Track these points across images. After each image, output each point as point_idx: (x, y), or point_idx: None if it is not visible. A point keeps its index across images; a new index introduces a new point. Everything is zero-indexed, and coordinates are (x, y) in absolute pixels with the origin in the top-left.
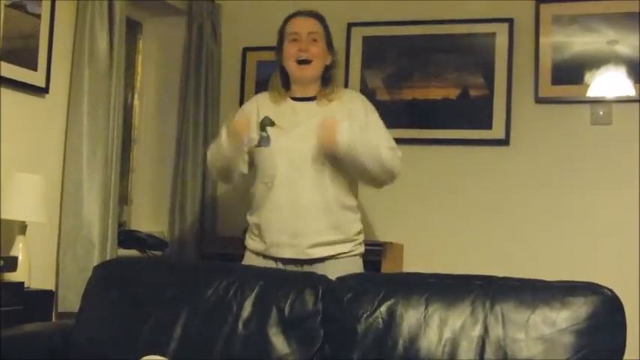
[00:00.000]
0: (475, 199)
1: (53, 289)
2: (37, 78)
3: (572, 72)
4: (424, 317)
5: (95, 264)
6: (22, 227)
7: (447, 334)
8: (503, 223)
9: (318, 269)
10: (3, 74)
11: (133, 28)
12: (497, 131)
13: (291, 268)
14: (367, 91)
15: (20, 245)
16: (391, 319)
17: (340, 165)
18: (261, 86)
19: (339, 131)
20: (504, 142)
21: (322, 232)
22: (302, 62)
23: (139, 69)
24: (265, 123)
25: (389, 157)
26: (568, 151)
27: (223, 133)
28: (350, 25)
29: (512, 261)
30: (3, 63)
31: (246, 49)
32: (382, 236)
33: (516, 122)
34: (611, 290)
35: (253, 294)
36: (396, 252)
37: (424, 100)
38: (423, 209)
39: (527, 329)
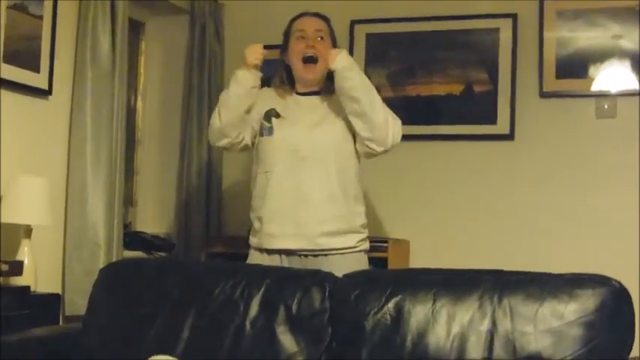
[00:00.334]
0: (480, 194)
1: (60, 293)
2: (39, 80)
3: (576, 66)
4: (432, 313)
5: (101, 266)
6: (28, 231)
7: (456, 329)
8: (509, 218)
9: (322, 264)
10: (6, 77)
11: (135, 29)
12: (501, 126)
13: (294, 261)
14: None
15: (26, 249)
16: (399, 315)
17: (338, 90)
18: (263, 85)
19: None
20: (509, 137)
21: (327, 221)
22: (308, 61)
23: (142, 70)
24: (270, 114)
25: (385, 111)
26: (573, 145)
27: (238, 71)
28: (353, 23)
29: (518, 255)
30: (5, 65)
31: None
32: (388, 232)
33: (521, 117)
34: (619, 282)
35: (260, 293)
36: (402, 248)
37: (428, 96)
38: (429, 205)
39: (535, 322)
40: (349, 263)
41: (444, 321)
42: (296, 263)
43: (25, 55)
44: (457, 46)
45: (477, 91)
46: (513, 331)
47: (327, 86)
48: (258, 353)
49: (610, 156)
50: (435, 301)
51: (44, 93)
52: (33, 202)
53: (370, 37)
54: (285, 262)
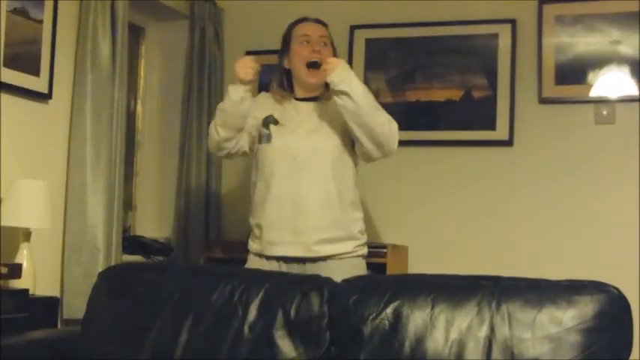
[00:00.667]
0: (479, 200)
1: (58, 296)
2: (39, 84)
3: (575, 72)
4: (430, 318)
5: (100, 270)
6: (27, 234)
7: (454, 334)
8: (508, 224)
9: (321, 269)
10: (6, 80)
11: (135, 33)
12: (501, 132)
13: (293, 267)
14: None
15: (25, 252)
16: (397, 320)
17: (340, 96)
18: (263, 89)
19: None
20: (508, 142)
21: (324, 228)
22: (312, 66)
23: (142, 74)
24: (268, 121)
25: (384, 117)
26: (572, 150)
27: (230, 87)
28: (353, 28)
29: (517, 261)
30: (6, 69)
31: (248, 53)
32: (387, 238)
33: (520, 123)
34: (617, 288)
35: (259, 297)
36: (400, 254)
37: (427, 101)
38: (428, 211)
39: (533, 329)
40: (347, 268)
41: (442, 327)
42: (295, 270)
43: (25, 58)
44: (456, 52)
45: (476, 96)
46: (512, 337)
47: (326, 92)
48: (257, 358)
49: (609, 162)
50: (433, 307)
51: (44, 97)
52: (32, 205)
53: (369, 42)
54: (283, 268)
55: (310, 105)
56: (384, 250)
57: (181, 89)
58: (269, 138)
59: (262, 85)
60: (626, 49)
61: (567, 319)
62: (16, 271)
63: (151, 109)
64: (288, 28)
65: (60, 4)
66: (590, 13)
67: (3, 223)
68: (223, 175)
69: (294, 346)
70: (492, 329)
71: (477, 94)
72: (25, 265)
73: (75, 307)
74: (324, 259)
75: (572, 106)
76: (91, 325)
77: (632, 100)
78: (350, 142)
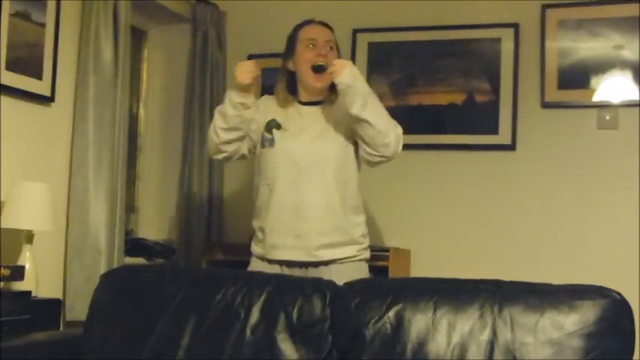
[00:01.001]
0: (482, 204)
1: (61, 298)
2: (42, 87)
3: (578, 77)
4: (432, 322)
5: (102, 272)
6: (29, 236)
7: (456, 338)
8: (510, 228)
9: (323, 273)
10: (9, 84)
11: (137, 37)
12: (503, 136)
13: (295, 271)
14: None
15: (27, 254)
16: (399, 324)
17: (344, 98)
18: (266, 93)
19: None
20: (511, 147)
21: (326, 233)
22: (318, 70)
23: (144, 77)
24: (272, 125)
25: (389, 121)
26: (574, 155)
27: (229, 91)
28: (355, 31)
29: (519, 265)
30: (8, 72)
31: (251, 56)
32: (389, 242)
33: (522, 127)
34: (619, 293)
35: (261, 300)
36: (403, 257)
37: (430, 105)
38: (430, 214)
39: (535, 333)
40: (350, 272)
41: (444, 330)
42: (297, 273)
43: (27, 62)
44: (459, 56)
45: (478, 100)
46: (514, 341)
47: (330, 95)
48: None
49: (611, 167)
50: (435, 311)
51: (47, 100)
52: (35, 208)
53: (372, 46)
54: (286, 271)
55: (314, 109)
56: (386, 254)
57: (183, 92)
58: (272, 142)
59: (265, 88)
60: (629, 53)
61: (569, 323)
62: (18, 273)
63: (153, 113)
64: (293, 30)
65: (62, 8)
66: (593, 17)
67: (6, 226)
68: (225, 178)
69: (296, 349)
70: (494, 333)
71: (479, 98)
72: (27, 267)
73: (77, 310)
74: (327, 263)
75: (575, 111)
76: (93, 327)
77: (634, 104)
78: (353, 147)
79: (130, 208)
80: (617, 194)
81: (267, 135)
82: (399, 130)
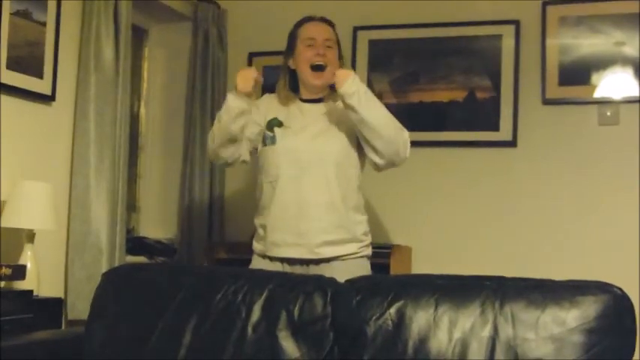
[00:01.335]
0: (483, 201)
1: (62, 297)
2: (43, 86)
3: (579, 73)
4: (434, 318)
5: (103, 271)
6: (31, 235)
7: (457, 334)
8: (512, 224)
9: (325, 270)
10: (9, 83)
11: (138, 35)
12: (504, 133)
13: (297, 268)
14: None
15: (29, 253)
16: (401, 320)
17: (349, 110)
18: (267, 91)
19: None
20: (512, 143)
21: (327, 231)
22: (316, 68)
23: (145, 76)
24: (273, 123)
25: (395, 128)
26: (576, 151)
27: (229, 95)
28: (356, 29)
29: (520, 261)
30: (9, 71)
31: (252, 54)
32: (390, 239)
33: (523, 124)
34: (620, 289)
35: (262, 298)
36: (404, 254)
37: (431, 102)
38: (431, 211)
39: (537, 329)
40: (351, 269)
41: (445, 327)
42: (298, 271)
43: (28, 61)
44: (460, 53)
45: (479, 97)
46: (515, 337)
47: (331, 93)
48: (260, 358)
49: (612, 163)
50: (436, 307)
51: (48, 99)
52: (36, 207)
53: (373, 44)
54: (287, 269)
55: (316, 107)
56: (388, 251)
57: (184, 91)
58: (273, 140)
59: (267, 87)
60: (630, 50)
61: (571, 319)
62: (20, 272)
63: (154, 111)
64: (294, 28)
65: (63, 7)
66: (594, 14)
67: (7, 225)
68: (227, 176)
69: (297, 346)
70: (496, 329)
71: (480, 95)
72: (29, 266)
73: (79, 309)
74: (328, 260)
75: (576, 107)
76: (95, 325)
77: (635, 101)
78: (356, 145)
79: (132, 206)
80: (618, 190)
81: (269, 133)
82: (406, 134)
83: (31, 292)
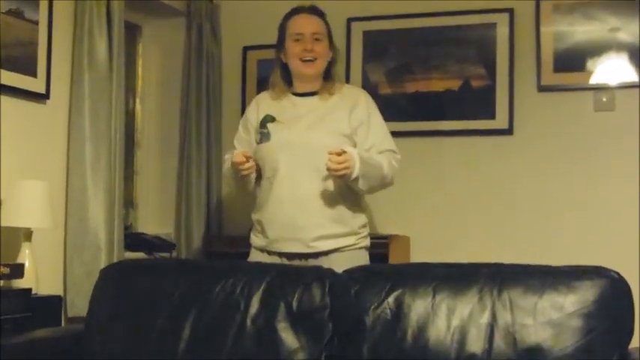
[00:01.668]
0: (480, 189)
1: (61, 295)
2: (37, 84)
3: (574, 60)
4: (432, 306)
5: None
6: (28, 234)
7: (456, 322)
8: (509, 212)
9: (323, 263)
10: (3, 82)
11: (132, 32)
12: (500, 121)
13: (295, 262)
14: (369, 86)
15: (26, 252)
16: (399, 309)
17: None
18: (262, 84)
19: (350, 167)
20: (508, 131)
21: (325, 225)
22: (306, 60)
23: (140, 72)
24: (266, 120)
25: (391, 172)
26: (572, 138)
27: (228, 163)
28: (350, 20)
29: (518, 248)
30: (3, 70)
31: (246, 48)
32: (388, 229)
33: (519, 111)
34: (617, 273)
35: (260, 290)
36: (402, 244)
37: (427, 92)
38: (429, 201)
39: (535, 314)
40: (350, 260)
41: (444, 314)
42: (296, 263)
43: (22, 60)
44: (454, 42)
45: (475, 86)
46: (513, 323)
47: (325, 86)
48: (260, 350)
49: (609, 149)
50: (434, 295)
51: (42, 97)
52: (33, 205)
53: (367, 35)
54: (285, 261)
55: (309, 100)
56: (386, 241)
57: (179, 86)
58: (268, 136)
59: (261, 80)
60: (625, 35)
61: (568, 304)
62: (18, 271)
63: (149, 107)
64: (283, 20)
65: (55, 5)
66: (588, 0)
67: (3, 224)
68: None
69: (296, 337)
70: (494, 316)
71: (475, 83)
72: (27, 265)
73: (78, 306)
74: (326, 253)
75: (572, 94)
76: (95, 322)
77: (631, 86)
78: (351, 139)
79: (129, 203)
80: (615, 176)
81: (263, 130)
82: (399, 159)
83: (29, 290)
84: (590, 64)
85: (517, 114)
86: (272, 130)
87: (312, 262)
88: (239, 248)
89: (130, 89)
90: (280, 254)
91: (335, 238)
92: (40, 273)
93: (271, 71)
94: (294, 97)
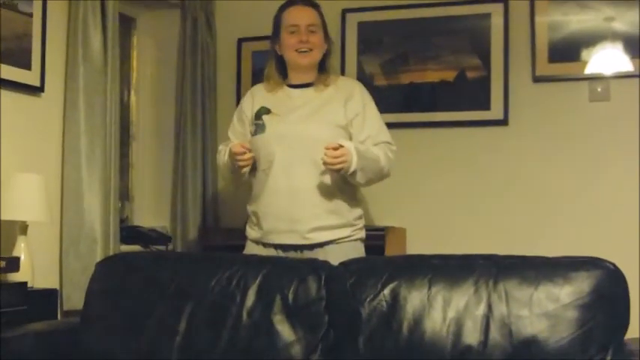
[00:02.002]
0: (476, 180)
1: (57, 288)
2: (31, 77)
3: (569, 50)
4: (428, 298)
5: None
6: (24, 227)
7: (452, 314)
8: (504, 203)
9: (319, 255)
10: None
11: (126, 24)
12: (495, 112)
13: (291, 254)
14: (364, 77)
15: (22, 245)
16: (395, 301)
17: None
18: (257, 76)
19: (346, 161)
20: (503, 122)
21: (320, 216)
22: (302, 52)
23: (135, 64)
24: (261, 112)
25: (388, 165)
26: (567, 128)
27: (222, 154)
28: (344, 12)
29: (513, 239)
30: None
31: (241, 40)
32: (384, 221)
33: (514, 102)
34: (613, 264)
35: (256, 283)
36: (398, 236)
37: (422, 83)
38: (424, 192)
39: (531, 306)
40: (345, 252)
41: (439, 306)
42: (292, 256)
43: (16, 52)
44: (449, 33)
45: (470, 77)
46: (509, 314)
47: (320, 78)
48: (256, 343)
49: (604, 139)
50: (430, 287)
51: (36, 90)
52: (28, 199)
53: (362, 26)
54: (280, 253)
55: (304, 91)
56: (382, 233)
57: (174, 78)
58: (262, 128)
59: (256, 72)
60: (620, 25)
61: (564, 295)
62: (14, 264)
63: (144, 100)
64: (278, 11)
65: None
66: None
67: None
68: None
69: (293, 330)
70: (490, 307)
71: (470, 74)
72: (22, 258)
73: (74, 299)
74: (321, 245)
75: (567, 84)
76: (91, 315)
77: (626, 76)
78: (346, 130)
79: (125, 196)
80: (611, 166)
81: (258, 122)
82: (395, 151)
83: (25, 284)
84: (585, 54)
85: (512, 105)
86: (267, 122)
87: (307, 253)
88: (235, 241)
89: (124, 82)
90: (275, 246)
91: (331, 230)
92: (36, 266)
93: (266, 63)
94: (289, 88)
